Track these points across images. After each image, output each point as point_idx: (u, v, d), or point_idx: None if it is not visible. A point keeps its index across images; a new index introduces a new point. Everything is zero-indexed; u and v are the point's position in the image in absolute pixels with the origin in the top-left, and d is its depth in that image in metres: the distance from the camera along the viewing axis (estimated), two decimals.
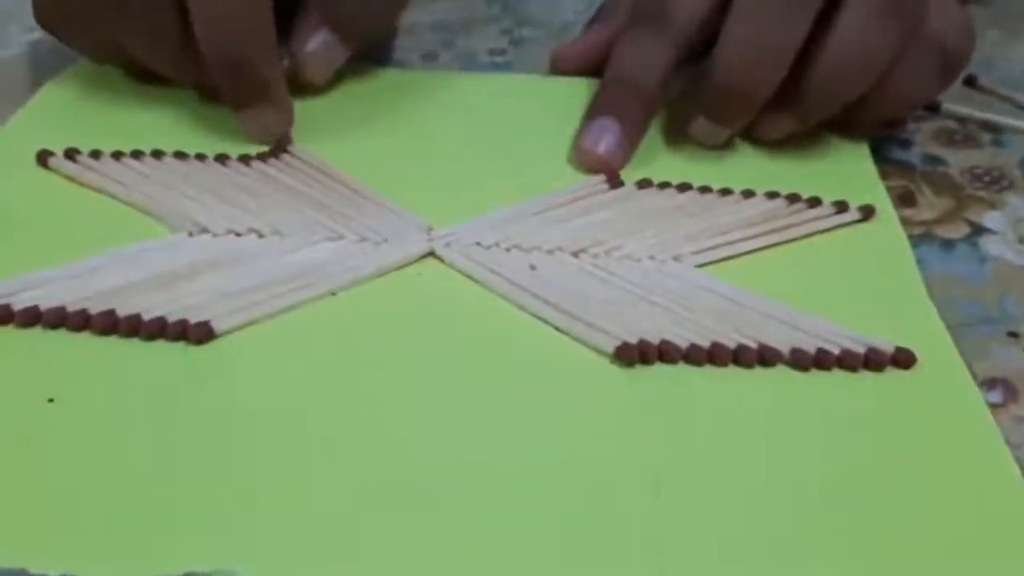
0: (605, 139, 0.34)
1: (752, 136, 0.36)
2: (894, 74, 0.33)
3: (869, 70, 0.32)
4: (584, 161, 0.34)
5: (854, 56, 0.32)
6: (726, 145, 0.36)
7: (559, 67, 0.40)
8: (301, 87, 0.37)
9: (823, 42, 0.32)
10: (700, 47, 0.35)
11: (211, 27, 0.32)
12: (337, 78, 0.38)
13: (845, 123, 0.36)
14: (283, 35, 0.37)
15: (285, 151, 0.34)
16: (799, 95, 0.33)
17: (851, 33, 0.32)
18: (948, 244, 0.33)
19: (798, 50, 0.32)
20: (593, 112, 0.35)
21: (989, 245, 0.33)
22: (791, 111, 0.34)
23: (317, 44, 0.36)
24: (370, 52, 0.39)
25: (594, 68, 0.39)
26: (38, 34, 0.40)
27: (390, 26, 0.39)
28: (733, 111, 0.34)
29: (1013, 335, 0.29)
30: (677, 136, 0.36)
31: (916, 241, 0.32)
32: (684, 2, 0.34)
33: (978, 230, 0.33)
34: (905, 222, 0.33)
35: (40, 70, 0.40)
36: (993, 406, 0.26)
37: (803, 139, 0.36)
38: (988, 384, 0.27)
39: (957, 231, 0.33)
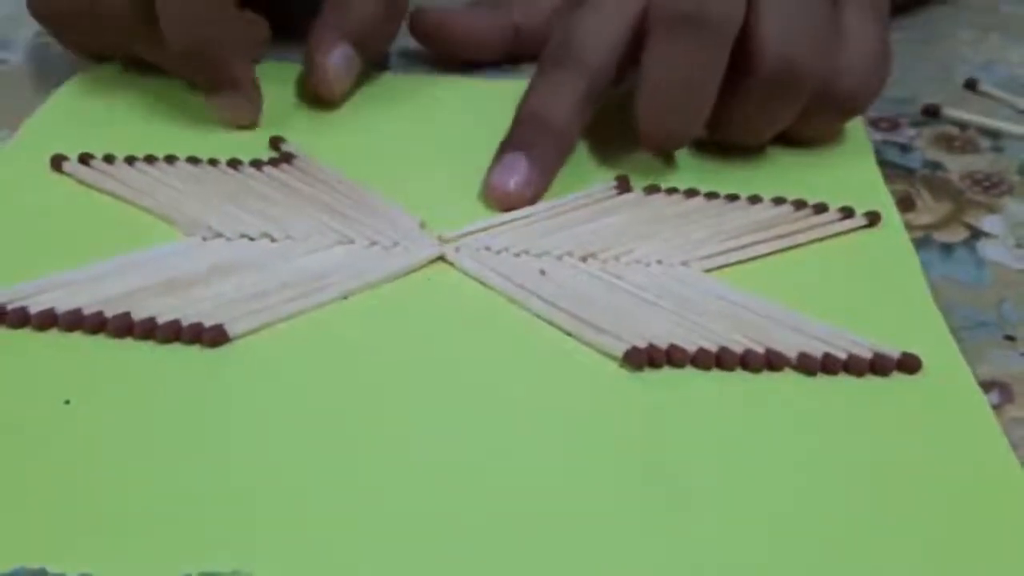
0: (515, 175, 0.33)
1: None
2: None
3: (803, 84, 0.33)
4: (493, 198, 0.33)
5: (784, 71, 0.32)
6: (730, 151, 0.36)
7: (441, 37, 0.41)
8: (319, 100, 0.37)
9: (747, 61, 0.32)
10: (615, 81, 0.35)
11: (170, 18, 0.33)
12: None
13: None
14: (300, 37, 0.37)
15: (295, 157, 0.35)
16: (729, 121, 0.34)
17: (774, 50, 0.32)
18: (947, 248, 0.33)
19: (719, 84, 0.32)
20: (504, 148, 0.34)
21: (988, 249, 0.33)
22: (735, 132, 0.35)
23: (338, 58, 0.36)
24: (373, 59, 0.39)
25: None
26: (48, 37, 0.40)
27: (395, 35, 0.40)
28: (666, 147, 0.35)
29: (1010, 338, 0.29)
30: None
31: (915, 245, 0.32)
32: (591, 43, 0.34)
33: (977, 234, 0.34)
34: (904, 226, 0.33)
35: (50, 74, 0.40)
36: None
37: (809, 146, 0.36)
38: (985, 387, 0.27)
39: (956, 235, 0.34)
